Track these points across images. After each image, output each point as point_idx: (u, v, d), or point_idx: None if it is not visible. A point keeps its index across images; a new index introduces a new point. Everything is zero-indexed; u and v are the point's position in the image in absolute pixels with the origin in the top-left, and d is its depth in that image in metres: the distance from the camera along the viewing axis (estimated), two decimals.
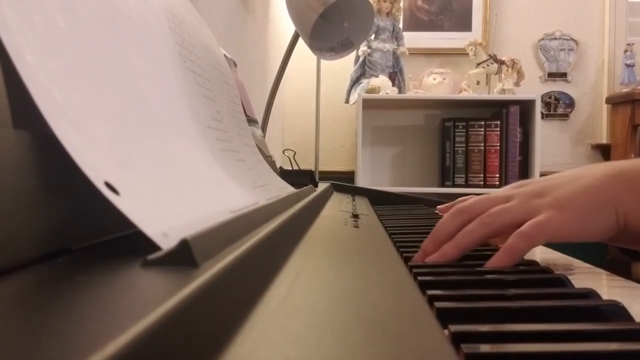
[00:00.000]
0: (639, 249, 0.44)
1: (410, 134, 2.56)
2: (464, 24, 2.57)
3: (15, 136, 0.21)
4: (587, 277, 0.44)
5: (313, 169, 2.29)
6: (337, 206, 0.72)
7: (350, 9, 1.36)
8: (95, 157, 0.23)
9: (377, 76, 2.32)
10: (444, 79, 2.41)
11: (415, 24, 2.58)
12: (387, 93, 2.27)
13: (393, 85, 2.33)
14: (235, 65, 0.84)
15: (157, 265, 0.20)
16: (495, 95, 2.32)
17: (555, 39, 2.57)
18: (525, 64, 2.45)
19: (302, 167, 1.20)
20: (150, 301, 0.16)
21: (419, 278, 0.32)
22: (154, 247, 0.22)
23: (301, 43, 1.40)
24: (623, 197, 0.39)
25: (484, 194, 0.87)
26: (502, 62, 2.35)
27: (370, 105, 2.32)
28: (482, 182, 2.31)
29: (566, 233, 0.39)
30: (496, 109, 2.38)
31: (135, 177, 0.26)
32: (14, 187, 0.20)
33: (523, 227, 0.39)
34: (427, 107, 2.52)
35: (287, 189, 0.65)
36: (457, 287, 0.32)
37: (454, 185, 2.32)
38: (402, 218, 0.73)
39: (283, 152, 1.68)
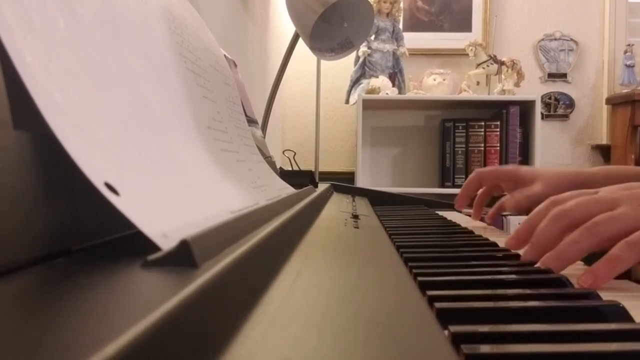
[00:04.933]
0: None
1: (410, 134, 2.56)
2: (464, 25, 2.57)
3: (16, 137, 0.21)
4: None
5: (313, 170, 2.29)
6: (337, 207, 0.72)
7: (350, 9, 1.36)
8: (95, 158, 0.23)
9: (377, 77, 2.32)
10: (444, 80, 2.41)
11: (415, 24, 2.58)
12: (387, 93, 2.27)
13: (393, 85, 2.33)
14: (236, 65, 0.84)
15: (157, 265, 0.20)
16: (495, 95, 2.32)
17: (555, 39, 2.58)
18: (525, 65, 2.45)
19: (302, 168, 1.20)
20: (150, 302, 0.16)
21: (419, 279, 0.32)
22: (154, 248, 0.22)
23: (301, 44, 1.40)
24: None
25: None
26: (502, 63, 2.35)
27: (370, 105, 2.32)
28: None
29: None
30: (496, 110, 2.38)
31: (135, 177, 0.26)
32: (14, 187, 0.20)
33: (634, 236, 0.35)
34: (427, 108, 2.52)
35: (287, 190, 0.65)
36: (457, 287, 0.32)
37: (454, 186, 2.32)
38: (402, 219, 0.73)
39: (283, 152, 1.68)
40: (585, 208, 0.40)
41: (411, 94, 2.37)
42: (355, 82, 2.39)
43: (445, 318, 0.24)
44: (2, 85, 0.22)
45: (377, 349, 0.18)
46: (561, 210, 0.40)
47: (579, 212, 0.39)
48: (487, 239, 0.51)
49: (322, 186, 0.98)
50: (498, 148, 2.31)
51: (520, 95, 2.31)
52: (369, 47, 2.36)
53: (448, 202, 1.07)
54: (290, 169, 1.21)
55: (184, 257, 0.20)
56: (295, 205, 0.47)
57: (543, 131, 2.40)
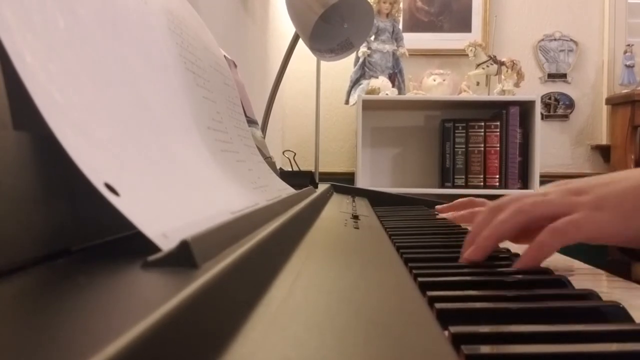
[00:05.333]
0: None
1: (410, 135, 2.56)
2: (464, 25, 2.57)
3: (16, 137, 0.21)
4: (587, 278, 0.44)
5: (313, 170, 2.29)
6: (337, 207, 0.72)
7: (350, 10, 1.36)
8: (95, 158, 0.23)
9: (377, 77, 2.32)
10: (443, 80, 2.41)
11: (415, 25, 2.58)
12: (387, 94, 2.27)
13: (393, 86, 2.33)
14: (235, 66, 0.84)
15: (157, 266, 0.20)
16: (495, 96, 2.32)
17: (555, 39, 2.58)
18: (525, 65, 2.45)
19: (302, 169, 1.20)
20: (150, 302, 0.16)
21: (419, 279, 0.32)
22: (154, 248, 0.22)
23: (301, 44, 1.40)
24: None
25: (485, 195, 0.87)
26: (501, 63, 2.35)
27: (370, 106, 2.32)
28: (482, 183, 2.31)
29: (602, 234, 0.37)
30: (496, 110, 2.38)
31: (135, 178, 0.26)
32: (14, 188, 0.20)
33: (555, 223, 0.37)
34: (427, 108, 2.52)
35: (287, 190, 0.65)
36: (457, 288, 0.32)
37: (454, 187, 2.32)
38: (402, 219, 0.73)
39: (283, 153, 1.68)
40: (517, 199, 0.42)
41: (411, 95, 2.37)
42: (355, 83, 2.39)
43: (445, 318, 0.24)
44: (2, 85, 0.22)
45: (377, 349, 0.18)
46: (496, 203, 0.43)
47: (512, 202, 0.42)
48: None
49: (322, 187, 0.98)
50: (498, 148, 2.31)
51: (520, 95, 2.31)
52: (369, 48, 2.36)
53: (448, 203, 1.07)
54: (290, 169, 1.21)
55: (184, 257, 0.20)
56: (295, 206, 0.47)
57: (543, 131, 2.40)
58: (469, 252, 0.39)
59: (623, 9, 2.53)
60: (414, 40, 2.50)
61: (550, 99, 2.57)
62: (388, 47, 2.37)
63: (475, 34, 2.54)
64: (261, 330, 0.18)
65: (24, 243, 0.20)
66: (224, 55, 0.63)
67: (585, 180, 0.42)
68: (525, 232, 0.41)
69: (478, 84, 2.39)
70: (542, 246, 0.37)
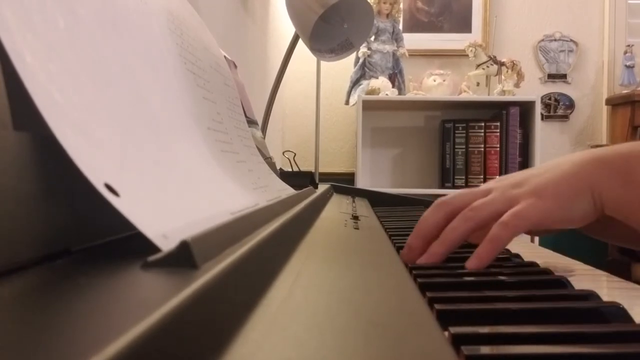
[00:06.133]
0: (617, 240, 0.45)
1: (410, 135, 2.56)
2: (464, 26, 2.57)
3: (16, 138, 0.21)
4: (587, 278, 0.44)
5: (313, 171, 2.29)
6: (337, 208, 0.72)
7: (350, 10, 1.36)
8: (95, 159, 0.23)
9: (377, 77, 2.32)
10: (443, 81, 2.41)
11: (415, 25, 2.58)
12: (387, 94, 2.27)
13: (393, 86, 2.33)
14: (235, 66, 0.84)
15: (157, 266, 0.20)
16: (495, 96, 2.32)
17: (555, 40, 2.58)
18: (525, 65, 2.45)
19: (302, 169, 1.20)
20: (150, 303, 0.16)
21: (419, 280, 0.32)
22: (154, 249, 0.22)
23: (301, 44, 1.40)
24: (598, 181, 0.39)
25: None
26: (502, 64, 2.35)
27: (370, 106, 2.32)
28: (482, 184, 2.30)
29: (545, 220, 0.39)
30: (496, 110, 2.38)
31: (135, 178, 0.26)
32: (15, 188, 0.20)
33: (503, 217, 0.39)
34: (427, 109, 2.52)
35: (287, 191, 0.65)
36: (457, 288, 0.32)
37: (454, 187, 2.32)
38: (402, 219, 0.73)
39: (283, 153, 1.68)
40: (462, 197, 0.44)
41: (411, 95, 2.37)
42: (355, 83, 2.39)
43: (445, 319, 0.24)
44: (2, 85, 0.22)
45: (377, 349, 0.18)
46: (441, 201, 0.45)
47: (457, 200, 0.44)
48: None
49: (322, 187, 0.98)
50: (498, 149, 2.31)
51: (520, 96, 2.31)
52: (369, 48, 2.36)
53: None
54: (290, 169, 1.21)
55: (184, 258, 0.20)
56: (295, 206, 0.47)
57: (543, 132, 2.40)
58: (423, 259, 0.41)
59: (623, 9, 2.53)
60: (414, 40, 2.50)
61: (550, 99, 2.58)
62: (388, 48, 2.37)
63: (475, 34, 2.54)
64: (261, 331, 0.18)
65: (24, 243, 0.20)
66: (224, 56, 0.63)
67: (521, 173, 0.44)
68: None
69: (478, 84, 2.39)
70: (494, 240, 0.39)
